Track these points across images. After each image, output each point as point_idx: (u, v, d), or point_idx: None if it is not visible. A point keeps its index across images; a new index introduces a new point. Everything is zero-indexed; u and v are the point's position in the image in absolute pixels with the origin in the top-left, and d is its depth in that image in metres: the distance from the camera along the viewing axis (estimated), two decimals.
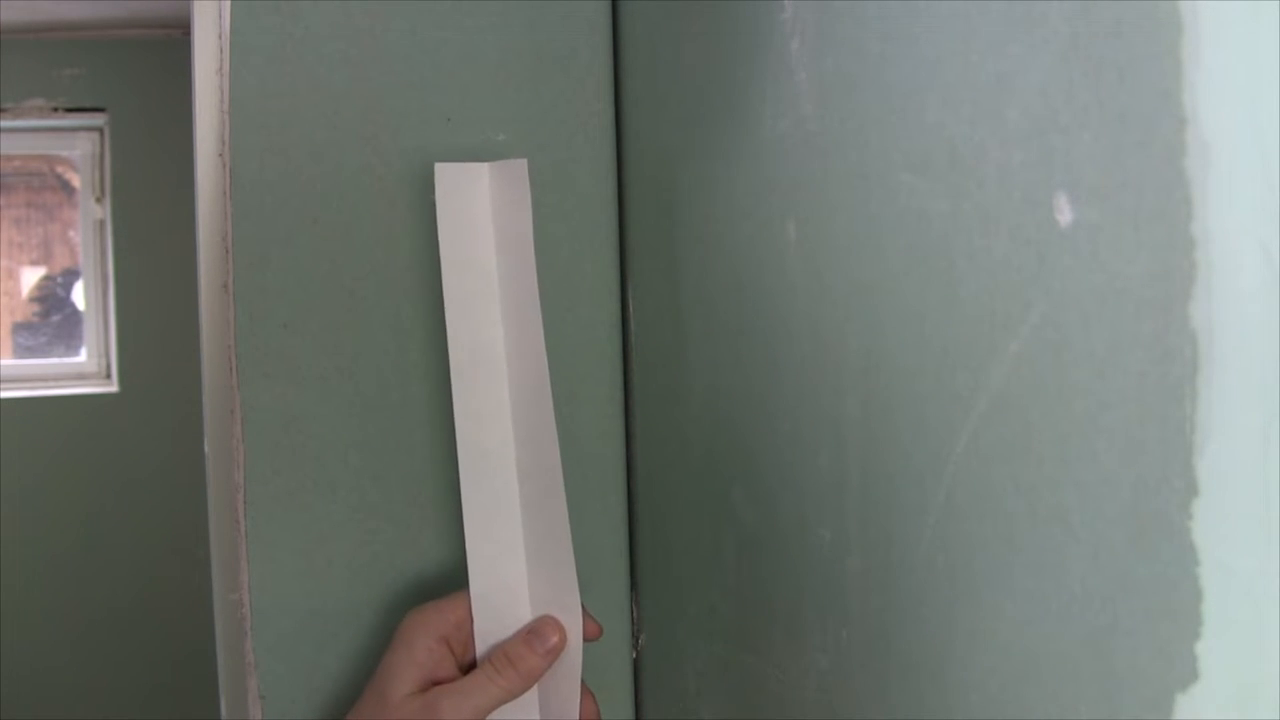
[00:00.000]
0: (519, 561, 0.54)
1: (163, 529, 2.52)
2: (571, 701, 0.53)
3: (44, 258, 2.76)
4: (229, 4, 0.57)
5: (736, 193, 0.50)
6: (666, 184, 0.58)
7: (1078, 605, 0.30)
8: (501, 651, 0.52)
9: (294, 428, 0.59)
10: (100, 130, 2.61)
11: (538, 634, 0.53)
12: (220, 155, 0.58)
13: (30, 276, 2.76)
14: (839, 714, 0.43)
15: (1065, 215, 0.30)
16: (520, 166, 0.52)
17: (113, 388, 2.60)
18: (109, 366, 2.63)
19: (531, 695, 0.54)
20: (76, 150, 2.64)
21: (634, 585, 0.64)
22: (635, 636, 0.64)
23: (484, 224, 0.54)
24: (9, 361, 2.68)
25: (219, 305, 0.59)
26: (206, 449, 0.62)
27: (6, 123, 2.52)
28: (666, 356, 0.58)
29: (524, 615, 0.54)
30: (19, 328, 2.73)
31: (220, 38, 0.58)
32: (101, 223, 2.63)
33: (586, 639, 0.53)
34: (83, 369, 2.66)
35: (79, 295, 2.69)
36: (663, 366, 0.59)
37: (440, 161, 0.54)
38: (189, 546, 2.33)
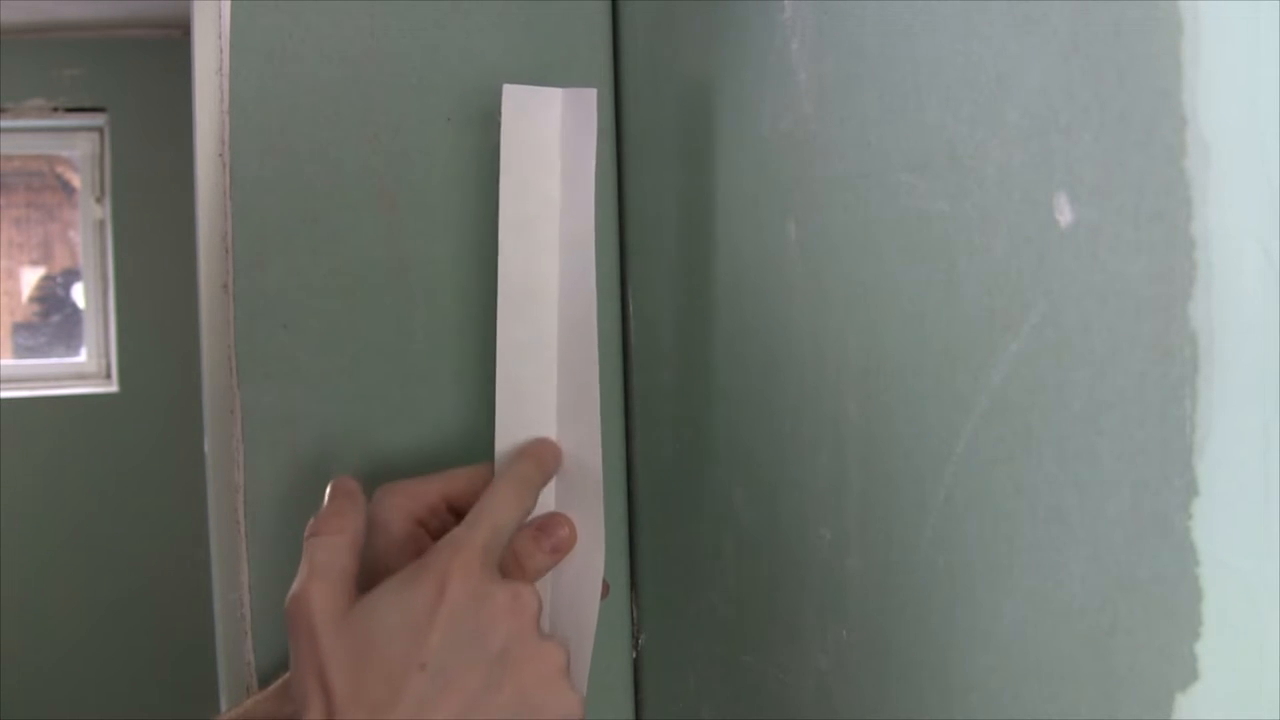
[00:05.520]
0: (548, 496, 0.53)
1: (163, 529, 2.52)
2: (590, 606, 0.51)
3: (44, 258, 2.76)
4: (229, 4, 0.57)
5: (736, 193, 0.50)
6: (666, 184, 0.58)
7: (1078, 605, 0.30)
8: (510, 549, 0.49)
9: (294, 428, 0.59)
10: (100, 130, 2.61)
11: (545, 530, 0.50)
12: (220, 155, 0.58)
13: (30, 276, 2.76)
14: (839, 714, 0.43)
15: (1065, 215, 0.30)
16: (590, 96, 0.51)
17: (113, 388, 2.60)
18: (109, 366, 2.63)
19: (544, 583, 0.52)
20: (76, 150, 2.64)
21: (634, 585, 0.64)
22: (635, 636, 0.64)
23: (551, 151, 0.52)
24: (9, 361, 2.68)
25: (219, 305, 0.59)
26: (206, 449, 0.62)
27: (6, 123, 2.52)
28: (666, 356, 0.58)
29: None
30: (19, 328, 2.73)
31: (220, 38, 0.58)
32: (101, 223, 2.63)
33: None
34: (83, 369, 2.66)
35: (79, 295, 2.70)
36: (663, 366, 0.59)
37: (508, 84, 0.52)
38: (189, 546, 2.33)
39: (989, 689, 0.34)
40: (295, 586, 0.46)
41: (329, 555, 0.46)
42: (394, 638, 0.43)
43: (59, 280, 2.75)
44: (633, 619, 0.64)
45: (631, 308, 0.63)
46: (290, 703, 0.53)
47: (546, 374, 0.52)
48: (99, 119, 2.57)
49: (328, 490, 0.49)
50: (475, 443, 0.61)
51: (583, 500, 0.51)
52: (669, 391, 0.58)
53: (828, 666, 0.44)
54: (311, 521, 0.48)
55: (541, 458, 0.50)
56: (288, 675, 0.55)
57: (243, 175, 0.58)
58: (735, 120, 0.49)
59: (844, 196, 0.41)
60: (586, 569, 0.51)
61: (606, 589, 0.53)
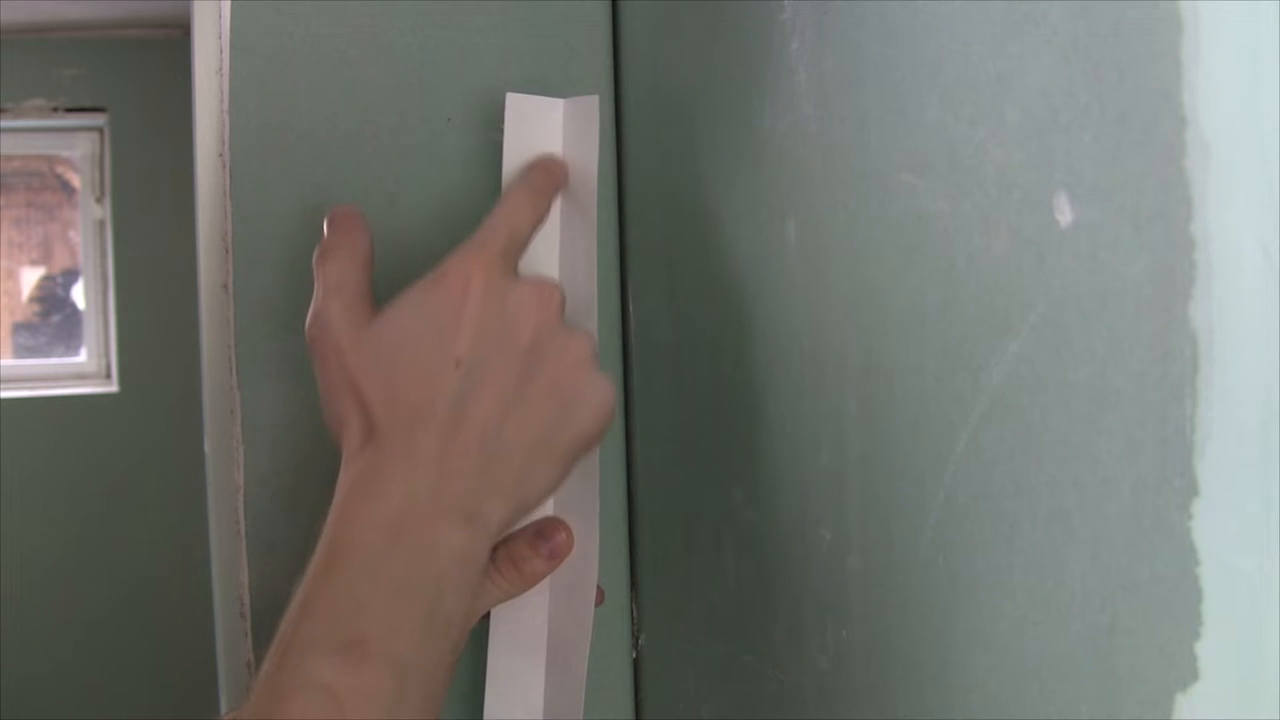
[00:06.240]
0: (545, 502, 0.52)
1: (162, 529, 2.52)
2: (586, 602, 0.50)
3: (44, 258, 2.76)
4: (229, 4, 0.57)
5: (736, 193, 0.50)
6: (666, 184, 0.58)
7: (1078, 605, 0.30)
8: (505, 550, 0.48)
9: (294, 428, 0.59)
10: (100, 130, 2.61)
11: (542, 535, 0.49)
12: (220, 155, 0.58)
13: (30, 276, 2.76)
14: (839, 714, 0.43)
15: (1065, 215, 0.30)
16: (592, 103, 0.51)
17: (113, 388, 2.60)
18: (109, 366, 2.64)
19: (542, 587, 0.51)
20: (76, 150, 2.64)
21: (634, 585, 0.64)
22: (635, 636, 0.64)
23: None
24: (9, 361, 2.68)
25: (219, 305, 0.59)
26: (206, 449, 0.62)
27: (6, 123, 2.52)
28: (666, 356, 0.58)
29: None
30: (19, 328, 2.73)
31: (220, 38, 0.58)
32: (101, 223, 2.63)
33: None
34: (83, 369, 2.67)
35: (79, 295, 2.70)
36: (663, 366, 0.59)
37: (511, 92, 0.52)
38: (189, 547, 2.33)
39: (989, 689, 0.34)
40: (312, 308, 0.45)
41: (341, 274, 0.45)
42: (424, 339, 0.43)
43: (59, 280, 2.75)
44: (633, 619, 0.64)
45: (631, 308, 0.63)
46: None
47: None
48: (99, 119, 2.57)
49: (326, 219, 0.48)
50: None
51: (579, 507, 0.51)
52: (669, 391, 0.58)
53: (828, 666, 0.44)
54: (318, 247, 0.47)
55: (550, 168, 0.50)
56: None
57: (243, 175, 0.58)
58: (735, 120, 0.49)
59: (844, 196, 0.41)
60: (582, 576, 0.51)
61: (602, 595, 0.53)
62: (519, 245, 0.46)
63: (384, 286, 0.60)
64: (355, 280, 0.45)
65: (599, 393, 0.44)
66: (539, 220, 0.48)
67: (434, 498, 0.41)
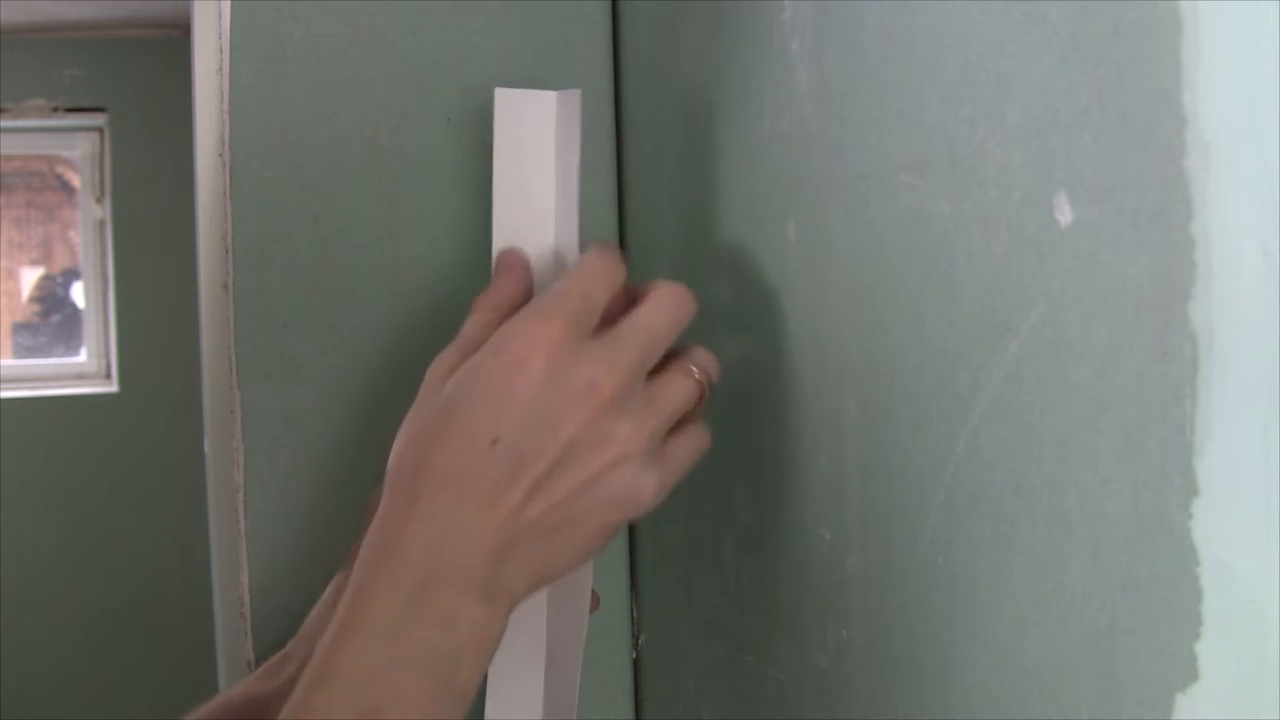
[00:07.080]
0: None
1: (162, 529, 2.52)
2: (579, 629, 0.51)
3: (44, 258, 2.76)
4: (229, 4, 0.57)
5: (736, 193, 0.50)
6: (666, 184, 0.58)
7: (1078, 605, 0.30)
8: None
9: (294, 428, 0.59)
10: (100, 130, 2.61)
11: None
12: (220, 155, 0.58)
13: (30, 276, 2.76)
14: (839, 714, 0.43)
15: (1065, 215, 0.30)
16: (575, 97, 0.50)
17: (113, 388, 2.60)
18: (109, 366, 2.63)
19: (541, 593, 0.52)
20: (76, 150, 2.64)
21: (634, 585, 0.64)
22: (635, 636, 0.64)
23: (546, 155, 0.51)
24: (9, 361, 2.68)
25: (219, 305, 0.59)
26: (206, 449, 0.62)
27: (6, 123, 2.52)
28: None
29: None
30: (19, 328, 2.73)
31: (220, 38, 0.58)
32: (101, 223, 2.63)
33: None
34: (83, 369, 2.67)
35: (79, 295, 2.70)
36: None
37: (500, 87, 0.51)
38: (189, 547, 2.33)
39: (989, 689, 0.34)
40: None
41: (477, 329, 0.47)
42: (471, 411, 0.43)
43: (59, 280, 2.75)
44: (633, 619, 0.64)
45: None
46: (274, 679, 0.54)
47: None
48: (99, 119, 2.57)
49: (495, 262, 0.49)
50: None
51: None
52: None
53: (828, 666, 0.44)
54: (485, 290, 0.48)
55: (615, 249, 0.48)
56: (278, 655, 0.55)
57: (243, 175, 0.58)
58: (735, 120, 0.49)
59: (844, 196, 0.41)
60: (579, 581, 0.52)
61: (596, 601, 0.53)
62: (592, 311, 0.45)
63: (383, 286, 0.60)
64: (482, 339, 0.45)
65: (637, 491, 0.44)
66: (614, 289, 0.46)
67: (457, 570, 0.42)
